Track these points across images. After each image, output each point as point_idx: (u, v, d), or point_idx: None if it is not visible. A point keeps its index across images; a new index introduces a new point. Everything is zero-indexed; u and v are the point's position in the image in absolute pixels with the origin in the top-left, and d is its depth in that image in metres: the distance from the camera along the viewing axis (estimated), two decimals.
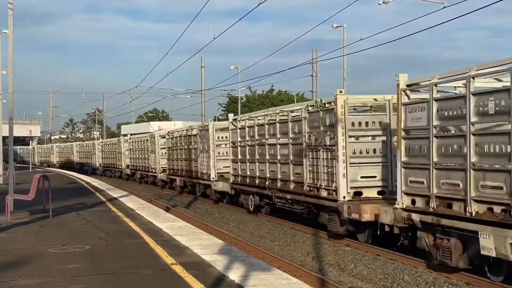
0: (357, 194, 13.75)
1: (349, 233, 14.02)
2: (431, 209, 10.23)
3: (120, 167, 44.98)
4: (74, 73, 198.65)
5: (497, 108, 8.84)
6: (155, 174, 34.98)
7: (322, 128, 14.42)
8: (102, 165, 51.56)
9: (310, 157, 15.11)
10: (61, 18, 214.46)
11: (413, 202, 10.85)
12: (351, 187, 13.65)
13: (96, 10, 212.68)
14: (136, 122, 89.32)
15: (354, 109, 14.88)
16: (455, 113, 9.77)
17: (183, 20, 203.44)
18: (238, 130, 20.69)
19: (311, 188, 15.11)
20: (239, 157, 20.54)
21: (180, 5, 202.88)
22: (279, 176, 17.18)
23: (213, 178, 23.87)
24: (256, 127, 19.06)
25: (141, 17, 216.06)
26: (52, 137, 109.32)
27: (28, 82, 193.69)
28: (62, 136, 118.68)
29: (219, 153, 24.18)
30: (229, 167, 21.97)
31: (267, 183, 18.17)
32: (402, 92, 11.18)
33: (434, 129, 10.19)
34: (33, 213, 16.51)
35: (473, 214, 9.28)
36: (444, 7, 20.93)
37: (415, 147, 10.85)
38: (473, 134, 9.29)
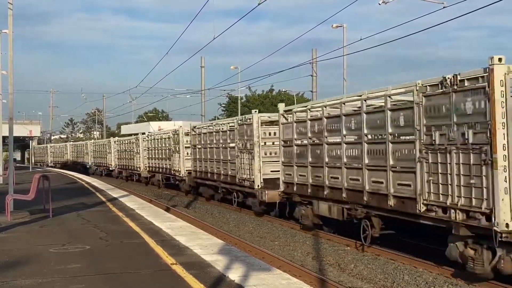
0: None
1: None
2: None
3: (178, 173, 29.87)
4: (74, 73, 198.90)
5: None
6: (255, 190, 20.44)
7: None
8: (148, 168, 37.60)
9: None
10: (60, 17, 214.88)
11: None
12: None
13: (94, 9, 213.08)
14: (136, 122, 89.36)
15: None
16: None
17: (183, 20, 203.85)
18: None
19: None
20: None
21: (180, 5, 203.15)
22: None
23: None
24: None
25: (139, 16, 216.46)
26: (52, 137, 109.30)
27: (28, 82, 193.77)
28: (62, 136, 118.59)
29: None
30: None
31: None
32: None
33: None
34: (33, 213, 16.52)
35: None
36: (444, 7, 20.94)
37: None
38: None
